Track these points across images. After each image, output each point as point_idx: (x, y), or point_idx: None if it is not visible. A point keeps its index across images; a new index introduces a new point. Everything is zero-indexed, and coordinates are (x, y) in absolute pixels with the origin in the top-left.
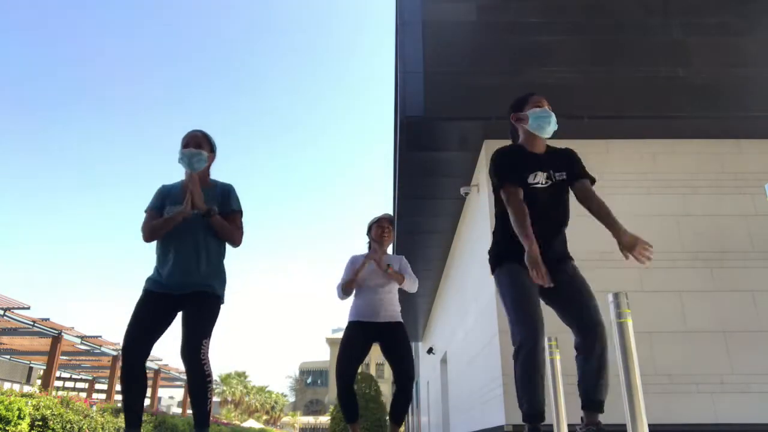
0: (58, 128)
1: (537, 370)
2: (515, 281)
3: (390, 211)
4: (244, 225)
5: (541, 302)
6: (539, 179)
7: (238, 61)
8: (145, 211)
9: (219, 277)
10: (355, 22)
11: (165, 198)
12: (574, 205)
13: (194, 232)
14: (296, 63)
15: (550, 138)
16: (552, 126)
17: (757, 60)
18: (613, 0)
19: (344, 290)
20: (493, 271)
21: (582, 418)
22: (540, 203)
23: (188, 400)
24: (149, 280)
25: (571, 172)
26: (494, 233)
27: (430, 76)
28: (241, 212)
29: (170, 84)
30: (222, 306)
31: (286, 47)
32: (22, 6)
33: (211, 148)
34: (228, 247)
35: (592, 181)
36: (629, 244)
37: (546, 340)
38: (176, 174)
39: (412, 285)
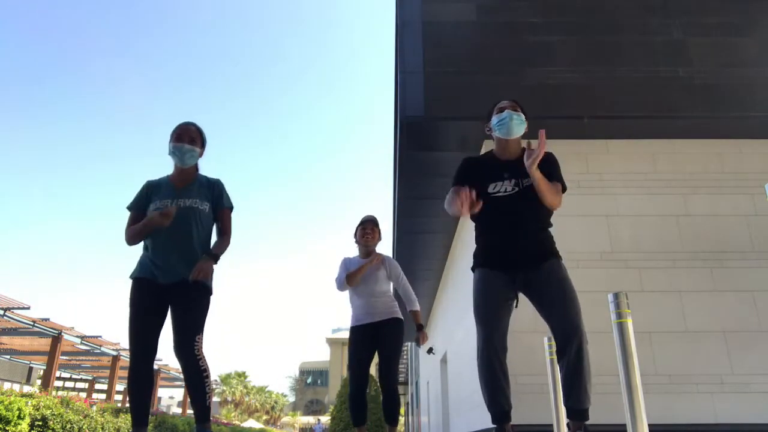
0: (56, 126)
1: (487, 373)
2: (478, 288)
3: (390, 211)
4: (233, 219)
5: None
6: (503, 188)
7: (235, 60)
8: (128, 209)
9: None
10: (355, 22)
11: (151, 194)
12: (575, 205)
13: (182, 225)
14: (296, 64)
15: (521, 138)
16: (516, 124)
17: (757, 60)
18: (613, 0)
19: (347, 280)
20: (473, 270)
21: (567, 424)
22: (504, 211)
23: (188, 400)
24: (139, 268)
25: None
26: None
27: (430, 76)
28: (231, 208)
29: (162, 84)
30: (211, 297)
31: (285, 48)
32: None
33: (203, 143)
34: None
35: (563, 188)
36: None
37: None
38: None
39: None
